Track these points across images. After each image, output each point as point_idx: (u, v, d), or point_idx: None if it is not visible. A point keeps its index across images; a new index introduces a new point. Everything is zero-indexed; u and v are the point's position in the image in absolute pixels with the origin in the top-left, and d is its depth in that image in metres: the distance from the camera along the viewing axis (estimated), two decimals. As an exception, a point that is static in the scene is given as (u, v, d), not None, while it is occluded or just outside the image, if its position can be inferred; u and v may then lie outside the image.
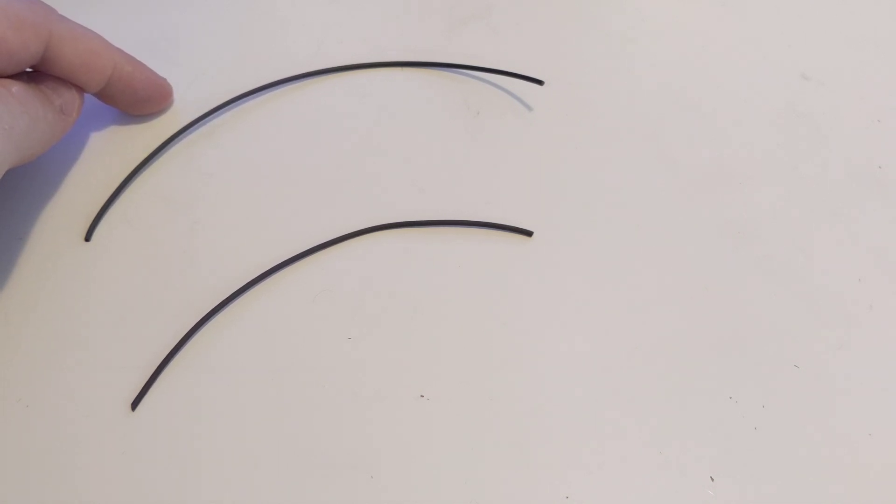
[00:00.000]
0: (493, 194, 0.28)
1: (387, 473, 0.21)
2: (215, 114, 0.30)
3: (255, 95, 0.31)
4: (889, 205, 0.29)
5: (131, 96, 0.27)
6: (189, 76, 0.31)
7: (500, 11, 0.35)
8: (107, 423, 0.22)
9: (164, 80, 0.29)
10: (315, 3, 0.35)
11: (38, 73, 0.24)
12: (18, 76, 0.23)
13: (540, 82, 0.31)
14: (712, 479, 0.22)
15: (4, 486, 0.21)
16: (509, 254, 0.27)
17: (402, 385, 0.23)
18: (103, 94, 0.27)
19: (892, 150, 0.31)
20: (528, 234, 0.27)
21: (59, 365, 0.23)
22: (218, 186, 0.28)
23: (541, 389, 0.23)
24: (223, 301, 0.24)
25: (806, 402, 0.24)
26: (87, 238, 0.26)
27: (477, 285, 0.26)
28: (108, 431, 0.22)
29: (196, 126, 0.29)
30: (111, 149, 0.28)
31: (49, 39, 0.22)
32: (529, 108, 0.31)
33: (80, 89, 0.25)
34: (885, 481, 0.22)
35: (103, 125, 0.29)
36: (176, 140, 0.29)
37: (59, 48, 0.23)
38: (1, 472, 0.21)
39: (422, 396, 0.23)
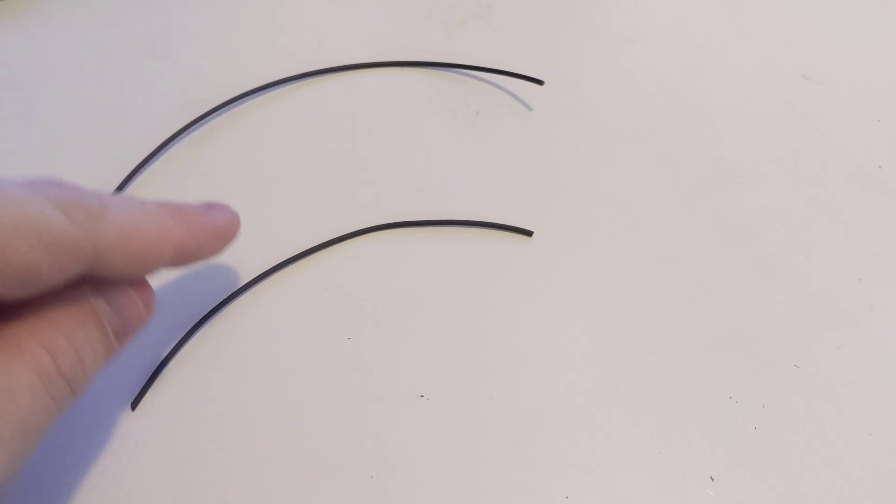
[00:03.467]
0: (493, 194, 0.28)
1: (387, 473, 0.21)
2: (215, 114, 0.30)
3: (255, 95, 0.31)
4: (889, 205, 0.29)
5: (196, 261, 0.21)
6: (189, 76, 0.31)
7: (500, 11, 0.35)
8: (107, 423, 0.22)
9: (230, 219, 0.22)
10: (315, 3, 0.35)
11: (100, 289, 0.18)
12: (73, 327, 0.17)
13: (540, 82, 0.31)
14: (712, 479, 0.22)
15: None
16: (509, 254, 0.27)
17: (402, 385, 0.23)
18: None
19: (892, 150, 0.31)
20: (529, 234, 0.27)
21: (59, 365, 0.23)
22: (218, 186, 0.28)
23: (540, 389, 0.23)
24: (223, 301, 0.24)
25: (806, 402, 0.24)
26: (87, 238, 0.26)
27: (477, 285, 0.26)
28: (109, 431, 0.22)
29: (196, 126, 0.29)
30: (111, 149, 0.28)
31: (92, 255, 0.17)
32: (529, 108, 0.31)
33: (151, 302, 0.20)
34: (885, 481, 0.22)
35: (102, 125, 0.29)
36: (176, 140, 0.29)
37: (107, 259, 0.17)
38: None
39: (422, 396, 0.23)
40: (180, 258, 0.20)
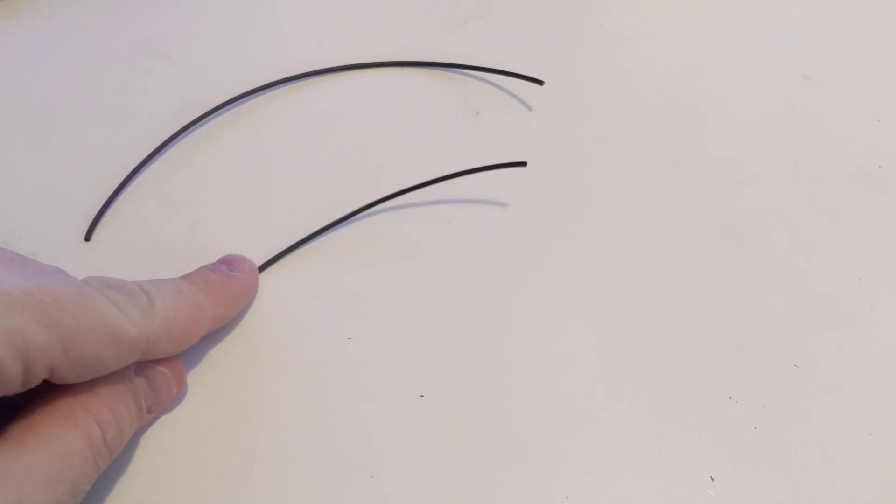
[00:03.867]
0: (492, 194, 0.28)
1: (387, 473, 0.21)
2: (215, 114, 0.30)
3: (255, 95, 0.31)
4: (889, 205, 0.29)
5: (223, 324, 0.24)
6: (189, 76, 0.31)
7: (500, 11, 0.35)
8: None
9: (251, 274, 0.24)
10: (315, 3, 0.35)
11: (141, 368, 0.20)
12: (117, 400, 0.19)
13: (540, 82, 0.31)
14: (712, 479, 0.22)
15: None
16: (509, 252, 0.27)
17: (402, 385, 0.23)
18: None
19: (892, 150, 0.31)
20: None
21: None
22: (218, 186, 0.28)
23: (540, 389, 0.23)
24: None
25: (806, 402, 0.23)
26: (87, 238, 0.26)
27: (476, 285, 0.26)
28: None
29: (196, 126, 0.29)
30: (111, 149, 0.28)
31: (146, 347, 0.19)
32: (529, 108, 0.31)
33: (183, 380, 0.22)
34: (885, 481, 0.22)
35: (103, 125, 0.29)
36: (176, 140, 0.29)
37: (155, 346, 0.19)
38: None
39: (422, 396, 0.23)
40: (211, 328, 0.22)
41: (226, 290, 0.23)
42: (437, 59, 0.32)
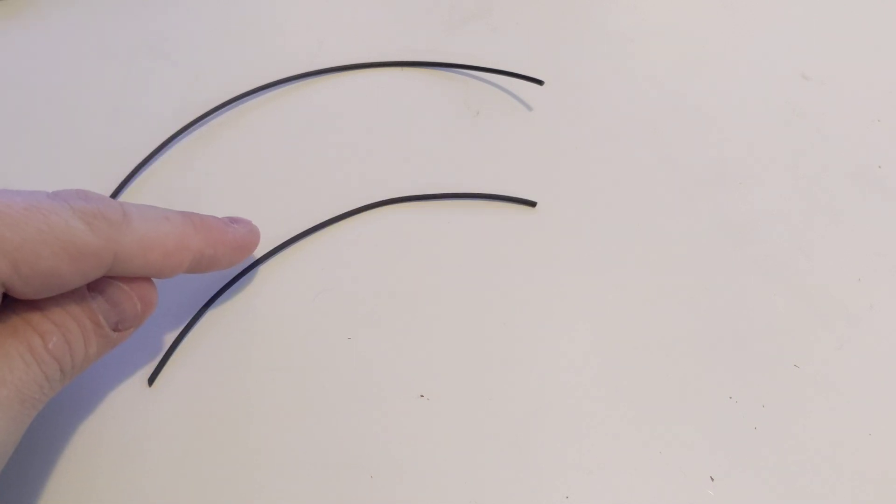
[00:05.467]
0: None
1: (387, 473, 0.21)
2: (215, 114, 0.30)
3: (254, 95, 0.31)
4: (889, 205, 0.29)
5: (215, 269, 0.23)
6: (189, 76, 0.31)
7: (500, 11, 0.35)
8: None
9: (250, 233, 0.24)
10: (315, 3, 0.35)
11: (99, 285, 0.20)
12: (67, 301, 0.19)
13: (540, 82, 0.31)
14: (712, 479, 0.22)
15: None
16: (509, 252, 0.27)
17: (402, 385, 0.23)
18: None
19: (892, 150, 0.31)
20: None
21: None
22: (218, 186, 0.28)
23: (540, 390, 0.23)
24: (225, 285, 0.25)
25: (806, 402, 0.24)
26: (87, 238, 0.26)
27: (475, 285, 0.26)
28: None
29: (196, 126, 0.29)
30: (111, 149, 0.28)
31: (113, 261, 0.18)
32: (529, 107, 0.31)
33: (150, 298, 0.21)
34: (885, 481, 0.22)
35: (102, 125, 0.29)
36: (176, 140, 0.29)
37: (127, 264, 0.19)
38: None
39: (422, 396, 0.23)
40: (198, 266, 0.21)
41: (219, 234, 0.22)
42: (437, 59, 0.32)
